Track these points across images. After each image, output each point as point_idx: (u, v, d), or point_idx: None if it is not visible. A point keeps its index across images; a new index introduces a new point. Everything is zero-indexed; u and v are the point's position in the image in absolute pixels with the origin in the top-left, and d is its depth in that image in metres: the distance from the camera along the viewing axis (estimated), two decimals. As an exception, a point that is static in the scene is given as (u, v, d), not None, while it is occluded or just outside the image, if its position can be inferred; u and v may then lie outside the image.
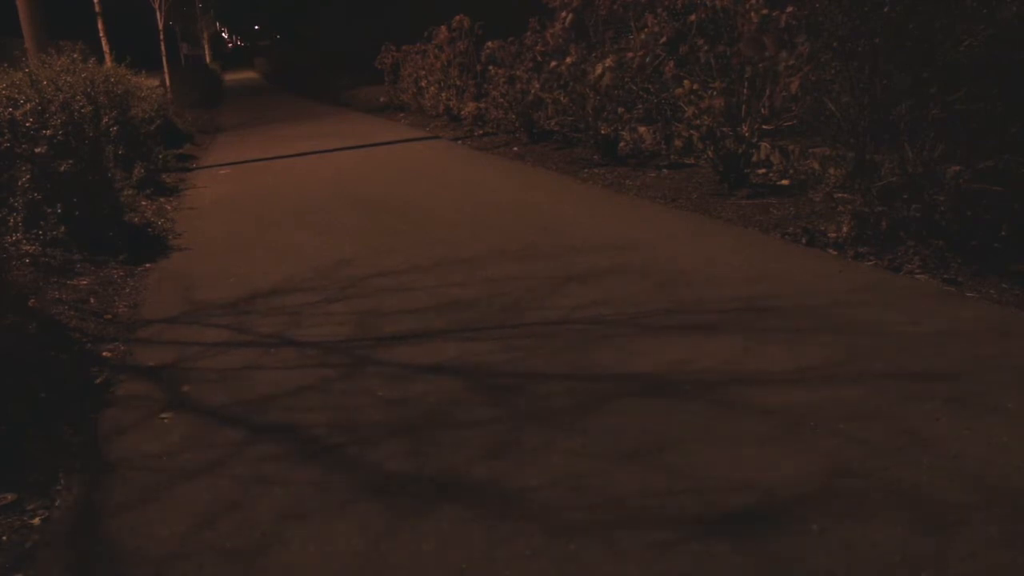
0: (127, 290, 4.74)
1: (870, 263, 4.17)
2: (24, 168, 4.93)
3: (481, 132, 11.09)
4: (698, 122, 6.14)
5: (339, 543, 2.15)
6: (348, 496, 2.38)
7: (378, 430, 2.77)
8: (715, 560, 1.96)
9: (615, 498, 2.25)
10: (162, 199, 7.70)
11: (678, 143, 7.71)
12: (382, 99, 16.06)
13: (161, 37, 17.84)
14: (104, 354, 3.70)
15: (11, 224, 4.86)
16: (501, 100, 9.88)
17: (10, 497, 2.50)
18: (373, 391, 3.07)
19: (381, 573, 2.03)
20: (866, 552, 1.95)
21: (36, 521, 2.40)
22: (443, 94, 12.59)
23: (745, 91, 5.96)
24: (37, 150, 4.93)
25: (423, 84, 13.52)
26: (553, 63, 8.06)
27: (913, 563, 1.90)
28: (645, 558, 1.99)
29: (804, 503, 2.16)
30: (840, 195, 4.65)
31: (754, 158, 6.46)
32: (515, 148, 9.59)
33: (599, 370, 3.10)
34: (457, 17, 11.62)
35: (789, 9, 5.62)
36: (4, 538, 2.32)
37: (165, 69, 17.51)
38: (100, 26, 12.83)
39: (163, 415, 3.01)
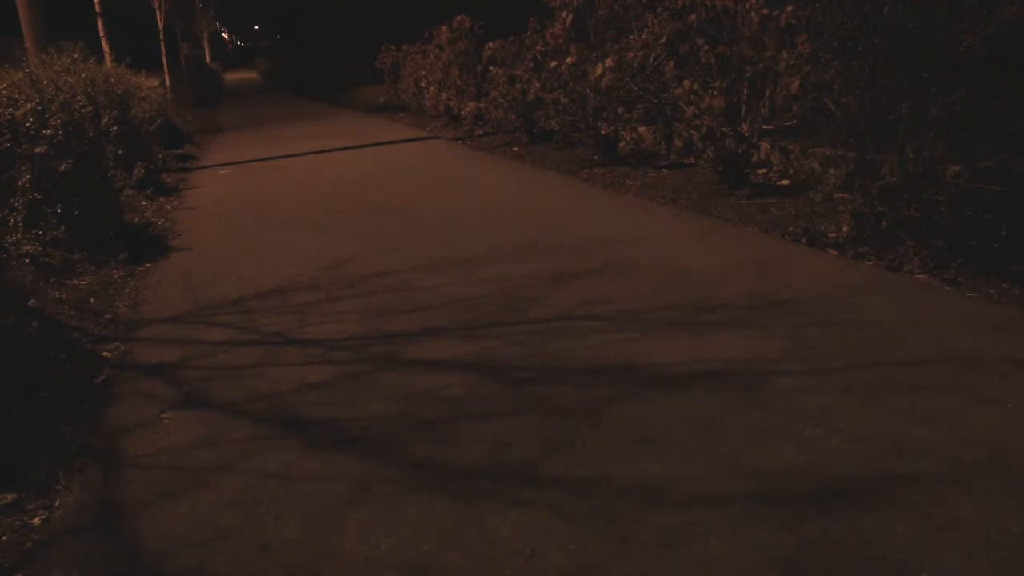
0: (127, 290, 4.74)
1: (870, 263, 4.17)
2: (24, 168, 4.93)
3: (481, 132, 11.09)
4: (698, 122, 6.14)
5: (342, 542, 2.15)
6: (352, 494, 2.38)
7: (381, 428, 2.77)
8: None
9: (620, 486, 2.26)
10: (162, 199, 7.71)
11: (678, 143, 7.71)
12: (382, 99, 16.05)
13: (161, 37, 17.85)
14: (104, 354, 3.70)
15: (11, 224, 4.86)
16: (501, 100, 9.87)
17: (10, 497, 2.50)
18: (376, 388, 3.07)
19: (385, 571, 2.03)
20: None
21: (36, 521, 2.40)
22: (443, 94, 12.58)
23: (745, 91, 5.96)
24: (37, 150, 4.93)
25: (423, 84, 13.52)
26: (553, 63, 8.05)
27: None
28: (644, 544, 1.99)
29: (802, 494, 2.16)
30: (840, 195, 4.65)
31: (754, 158, 6.46)
32: (515, 148, 9.59)
33: (601, 366, 3.10)
34: (458, 17, 11.62)
35: (789, 9, 5.62)
36: (4, 538, 2.32)
37: (165, 69, 17.52)
38: (100, 26, 12.83)
39: (164, 415, 3.01)
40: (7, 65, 6.03)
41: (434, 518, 2.22)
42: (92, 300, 4.42)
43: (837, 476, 2.27)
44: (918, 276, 3.93)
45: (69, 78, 6.01)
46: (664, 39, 6.74)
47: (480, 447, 2.58)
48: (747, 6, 5.88)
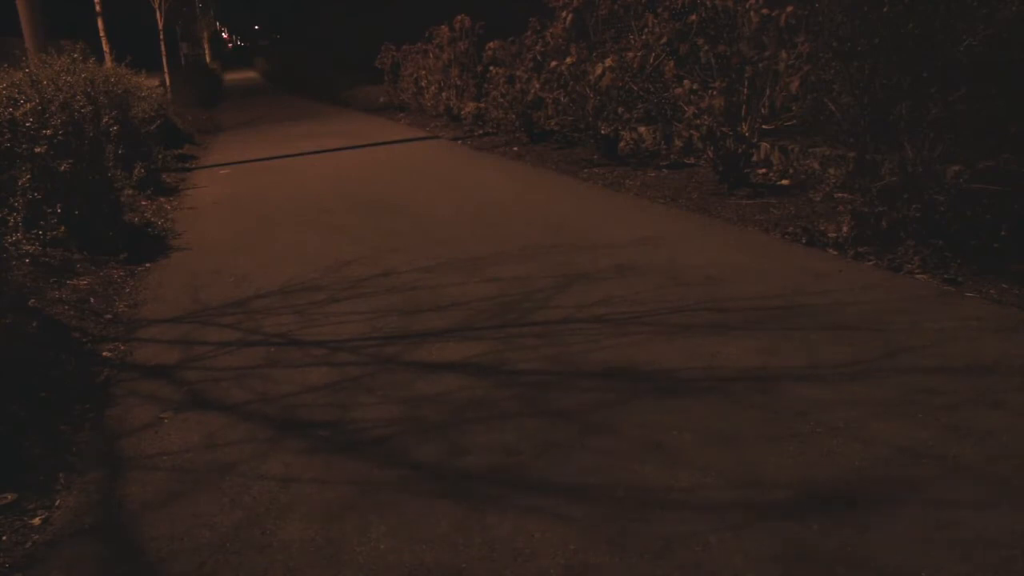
0: (127, 290, 4.74)
1: (870, 263, 4.18)
2: (24, 168, 4.93)
3: (481, 132, 11.09)
4: (698, 122, 6.14)
5: (341, 544, 2.16)
6: (353, 497, 2.38)
7: (383, 431, 2.77)
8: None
9: (625, 492, 2.26)
10: (162, 199, 7.70)
11: (678, 143, 7.71)
12: (382, 99, 16.06)
13: (161, 37, 17.84)
14: (104, 354, 3.70)
15: (11, 224, 4.86)
16: (501, 100, 9.88)
17: (10, 497, 2.50)
18: (379, 391, 3.07)
19: (386, 572, 2.03)
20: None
21: (36, 521, 2.40)
22: (443, 94, 12.59)
23: (745, 91, 5.97)
24: (37, 150, 4.93)
25: (423, 84, 13.52)
26: (553, 63, 8.06)
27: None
28: (648, 547, 1.99)
29: (805, 495, 2.17)
30: (840, 195, 4.66)
31: (754, 158, 6.47)
32: (515, 148, 9.59)
33: (602, 369, 3.10)
34: (458, 17, 11.62)
35: (789, 8, 5.63)
36: (4, 538, 2.32)
37: (165, 69, 17.52)
38: (100, 26, 12.83)
39: (163, 415, 3.01)
40: (7, 65, 6.03)
41: (436, 521, 2.23)
42: (92, 300, 4.42)
43: (838, 476, 2.27)
44: (918, 276, 3.93)
45: (69, 78, 6.01)
46: (664, 39, 6.75)
47: (483, 451, 2.58)
48: (747, 6, 5.88)
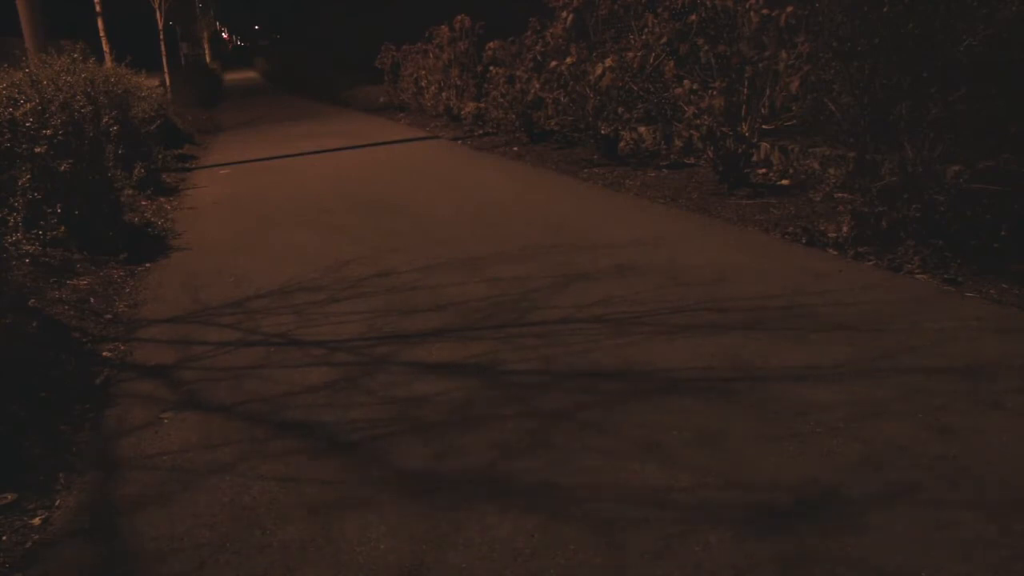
0: (127, 290, 4.74)
1: (870, 263, 4.18)
2: (24, 168, 4.93)
3: (481, 132, 11.09)
4: (698, 122, 6.14)
5: (341, 544, 2.16)
6: (352, 496, 2.38)
7: (382, 430, 2.77)
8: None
9: (626, 492, 2.26)
10: (162, 199, 7.70)
11: (678, 143, 7.71)
12: (382, 99, 16.06)
13: (161, 37, 17.83)
14: (104, 354, 3.70)
15: (11, 224, 4.86)
16: (501, 100, 9.88)
17: (10, 497, 2.50)
18: (378, 391, 3.07)
19: (385, 572, 2.03)
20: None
21: (36, 521, 2.40)
22: (443, 94, 12.59)
23: (745, 91, 5.97)
24: (37, 150, 4.93)
25: (423, 84, 13.53)
26: (553, 63, 8.06)
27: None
28: (648, 547, 1.99)
29: (804, 495, 2.17)
30: (840, 195, 4.66)
31: (754, 158, 6.47)
32: (515, 148, 9.59)
33: (603, 369, 3.10)
34: (458, 17, 11.63)
35: (789, 8, 5.63)
36: (4, 538, 2.32)
37: (165, 69, 17.51)
38: (100, 26, 12.83)
39: (163, 415, 3.01)
40: (7, 65, 6.03)
41: (436, 521, 2.23)
42: (92, 300, 4.42)
43: (838, 476, 2.27)
44: (918, 276, 3.93)
45: (69, 78, 6.01)
46: (664, 39, 6.75)
47: (483, 451, 2.58)
48: (747, 6, 5.89)
